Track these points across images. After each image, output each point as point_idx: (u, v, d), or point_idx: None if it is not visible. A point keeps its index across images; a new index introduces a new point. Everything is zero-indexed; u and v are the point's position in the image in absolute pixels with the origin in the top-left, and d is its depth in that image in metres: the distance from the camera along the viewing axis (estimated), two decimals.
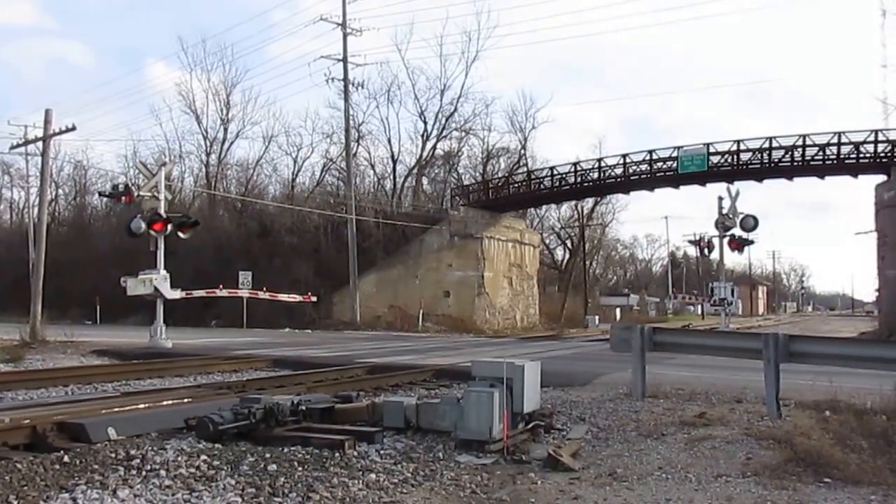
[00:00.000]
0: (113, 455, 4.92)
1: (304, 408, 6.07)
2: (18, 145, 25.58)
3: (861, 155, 25.52)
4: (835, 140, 25.79)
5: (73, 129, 19.24)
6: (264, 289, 21.63)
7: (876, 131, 25.36)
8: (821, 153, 26.19)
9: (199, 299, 30.96)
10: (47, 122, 19.21)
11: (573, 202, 42.44)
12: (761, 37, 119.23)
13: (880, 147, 25.15)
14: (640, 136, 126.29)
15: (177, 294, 17.38)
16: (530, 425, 5.99)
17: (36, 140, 21.41)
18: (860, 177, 26.90)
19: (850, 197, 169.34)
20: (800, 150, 26.48)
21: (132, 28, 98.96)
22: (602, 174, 31.11)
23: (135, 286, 16.39)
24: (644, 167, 29.71)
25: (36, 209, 28.24)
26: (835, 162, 26.06)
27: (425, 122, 39.31)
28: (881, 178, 25.23)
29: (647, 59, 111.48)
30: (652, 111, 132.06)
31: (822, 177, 27.93)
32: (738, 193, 23.97)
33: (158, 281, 16.47)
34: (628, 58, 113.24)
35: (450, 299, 32.30)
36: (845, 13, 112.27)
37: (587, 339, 24.21)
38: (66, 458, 4.79)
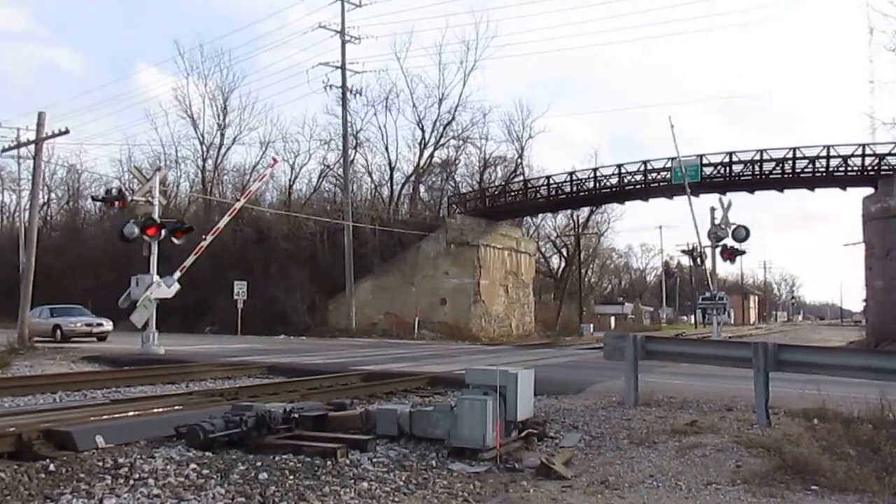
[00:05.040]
0: (100, 463, 4.86)
1: (296, 415, 6.03)
2: (10, 148, 25.38)
3: (849, 168, 25.91)
4: (824, 153, 26.19)
5: (67, 132, 19.16)
6: (238, 196, 21.25)
7: (863, 145, 25.79)
8: (810, 166, 26.57)
9: (194, 307, 30.89)
10: (40, 124, 19.11)
11: (569, 211, 42.67)
12: (751, 52, 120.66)
13: (868, 160, 25.56)
14: (627, 148, 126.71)
15: (175, 286, 16.97)
16: (523, 433, 5.99)
17: (28, 143, 21.27)
18: (849, 189, 27.27)
19: (839, 209, 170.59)
20: (790, 162, 26.85)
21: (123, 36, 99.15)
22: (598, 184, 31.33)
23: (142, 316, 16.25)
24: (639, 177, 29.96)
25: (27, 213, 28.12)
26: (824, 174, 26.44)
27: (423, 130, 39.54)
28: (869, 190, 25.59)
29: (637, 73, 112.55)
30: (638, 124, 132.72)
31: (811, 189, 28.31)
32: (730, 204, 24.16)
33: (155, 291, 16.35)
34: (620, 71, 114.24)
35: (446, 307, 32.28)
36: (833, 31, 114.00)
37: (582, 347, 24.24)
38: (51, 467, 4.72)
